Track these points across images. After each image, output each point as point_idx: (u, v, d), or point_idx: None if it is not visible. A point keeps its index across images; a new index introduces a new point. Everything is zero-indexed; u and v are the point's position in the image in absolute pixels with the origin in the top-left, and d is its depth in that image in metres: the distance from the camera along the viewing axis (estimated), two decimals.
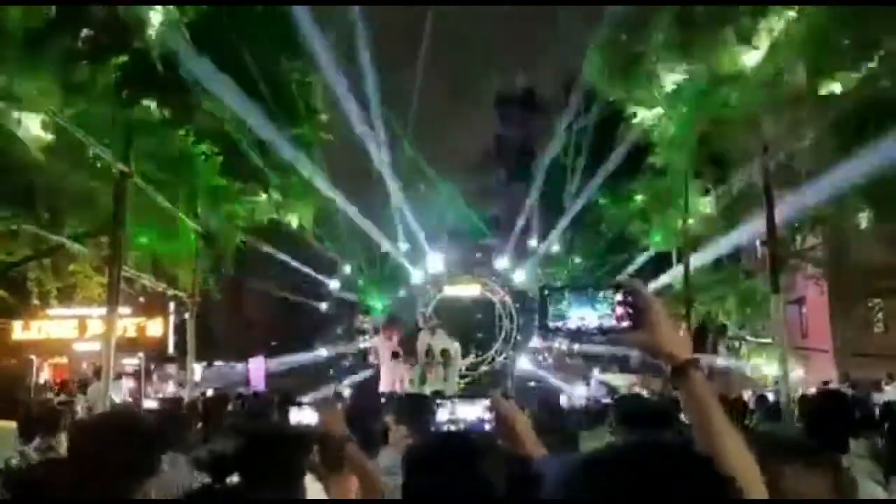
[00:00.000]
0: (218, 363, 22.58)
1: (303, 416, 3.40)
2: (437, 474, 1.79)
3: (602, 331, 1.43)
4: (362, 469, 2.73)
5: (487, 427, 2.59)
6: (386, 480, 2.71)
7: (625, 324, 1.40)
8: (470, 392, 17.79)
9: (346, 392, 17.94)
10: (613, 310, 1.42)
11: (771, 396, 13.39)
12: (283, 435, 2.85)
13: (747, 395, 15.11)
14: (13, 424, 6.68)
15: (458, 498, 1.73)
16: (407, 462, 1.91)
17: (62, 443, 5.69)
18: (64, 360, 18.97)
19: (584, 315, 1.44)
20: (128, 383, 16.59)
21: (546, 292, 1.52)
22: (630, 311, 1.40)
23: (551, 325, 1.48)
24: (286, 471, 2.59)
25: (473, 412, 3.22)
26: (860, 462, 3.55)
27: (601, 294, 1.45)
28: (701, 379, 1.35)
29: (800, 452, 1.60)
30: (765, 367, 20.08)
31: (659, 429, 4.92)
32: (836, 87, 13.43)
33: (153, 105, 11.93)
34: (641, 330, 1.38)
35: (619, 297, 1.42)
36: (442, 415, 3.54)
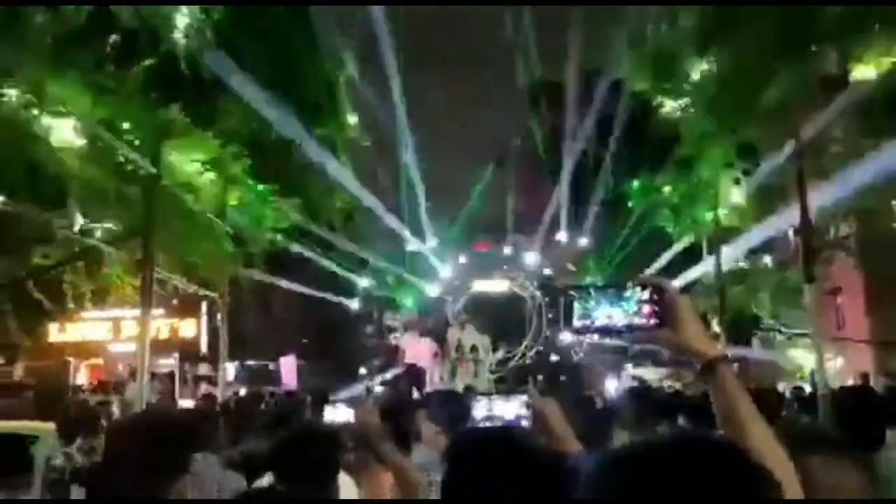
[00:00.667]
0: (250, 363, 22.79)
1: (337, 414, 3.41)
2: (480, 470, 1.78)
3: (629, 329, 1.43)
4: (398, 466, 2.73)
5: (525, 424, 2.59)
6: (419, 478, 2.70)
7: (652, 321, 1.40)
8: (501, 387, 17.79)
9: (378, 390, 18.00)
10: (640, 308, 1.41)
11: (807, 388, 13.21)
12: (317, 433, 2.86)
13: (782, 386, 14.91)
14: (52, 425, 6.79)
15: (500, 494, 1.72)
16: (448, 458, 1.89)
17: (102, 443, 5.77)
18: (100, 361, 19.26)
19: (610, 314, 1.44)
20: (162, 383, 16.81)
21: (571, 292, 1.50)
22: (657, 308, 1.39)
23: (577, 324, 1.47)
24: (320, 469, 2.60)
25: (511, 409, 3.20)
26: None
27: (627, 292, 1.44)
28: (730, 375, 1.34)
29: (829, 445, 1.57)
30: (800, 359, 19.80)
31: (666, 421, 4.88)
32: (870, 73, 13.21)
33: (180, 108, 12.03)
34: (668, 327, 1.38)
35: (645, 295, 1.41)
36: (479, 412, 3.52)
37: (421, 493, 2.58)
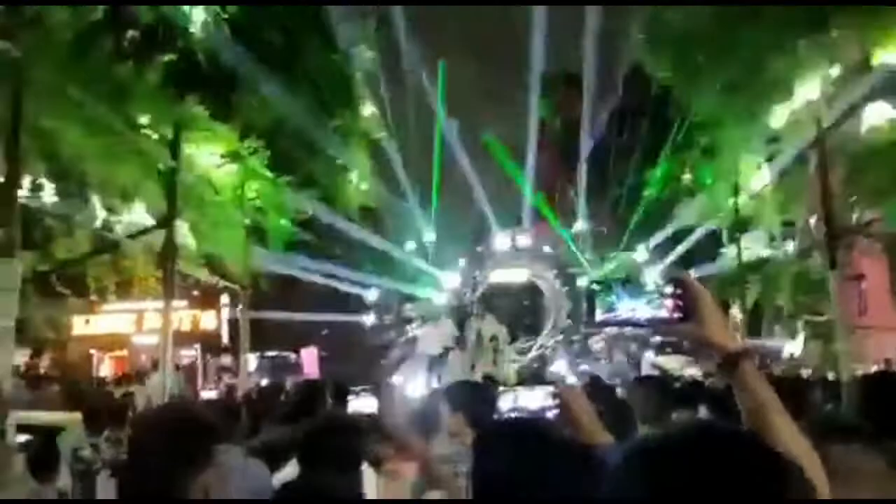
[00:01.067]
0: (271, 353, 22.91)
1: (360, 403, 3.42)
2: (509, 462, 1.77)
3: (652, 322, 1.44)
4: (425, 458, 2.73)
5: (551, 415, 2.58)
6: (447, 470, 2.70)
7: (675, 315, 1.40)
8: (522, 378, 17.78)
9: (398, 381, 18.06)
10: (663, 302, 1.42)
11: (830, 376, 13.09)
12: (342, 423, 2.86)
13: (805, 374, 14.78)
14: (78, 416, 6.89)
15: (529, 485, 1.72)
16: (478, 450, 1.89)
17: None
18: (124, 353, 19.47)
19: (633, 307, 1.45)
20: (184, 375, 16.97)
21: (594, 286, 1.51)
22: (679, 302, 1.40)
23: (600, 317, 1.47)
24: (345, 458, 2.59)
25: (536, 400, 3.20)
26: None
27: (650, 286, 1.45)
28: (752, 369, 1.35)
29: (853, 434, 1.56)
30: (822, 347, 19.61)
31: (686, 411, 4.87)
32: (893, 58, 13.03)
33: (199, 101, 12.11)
34: (691, 321, 1.38)
35: (668, 289, 1.41)
36: (505, 403, 3.52)
37: (450, 486, 2.57)
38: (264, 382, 15.55)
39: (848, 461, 1.46)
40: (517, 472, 1.74)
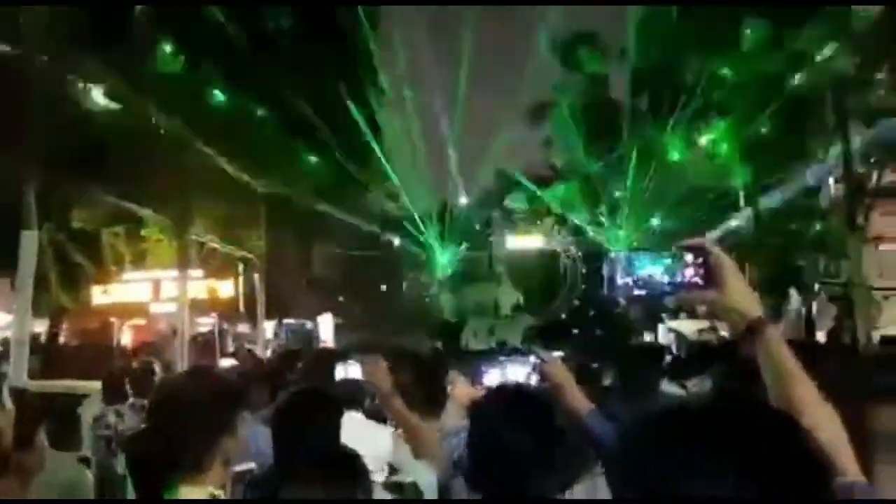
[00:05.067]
0: (289, 321, 23.08)
1: (349, 371, 3.42)
2: (496, 428, 1.88)
3: (673, 288, 1.41)
4: (408, 423, 2.74)
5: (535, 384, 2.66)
6: (432, 436, 2.71)
7: (696, 281, 1.38)
8: (538, 342, 17.84)
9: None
10: (684, 269, 1.39)
11: (847, 339, 13.03)
12: (310, 397, 2.78)
13: (822, 337, 14.73)
14: (98, 385, 6.95)
15: (515, 451, 1.81)
16: (472, 414, 2.05)
17: None
18: (142, 321, 19.65)
19: (652, 273, 1.42)
20: (202, 343, 17.10)
21: (611, 254, 1.49)
22: (701, 269, 1.37)
23: (620, 282, 1.45)
24: (319, 432, 2.48)
25: (523, 372, 3.22)
26: None
27: (669, 253, 1.43)
28: (776, 336, 1.32)
29: (888, 392, 1.53)
30: (841, 310, 19.51)
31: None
32: None
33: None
34: (713, 288, 1.36)
35: (689, 256, 1.39)
36: (493, 377, 3.54)
37: (433, 452, 2.60)
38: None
39: (883, 419, 1.43)
40: (510, 437, 1.83)
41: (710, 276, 1.36)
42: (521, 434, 1.83)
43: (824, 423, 1.19)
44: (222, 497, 1.86)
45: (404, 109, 22.11)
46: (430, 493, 2.66)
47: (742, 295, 1.35)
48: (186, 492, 1.84)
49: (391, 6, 19.71)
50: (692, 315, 23.16)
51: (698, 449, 0.82)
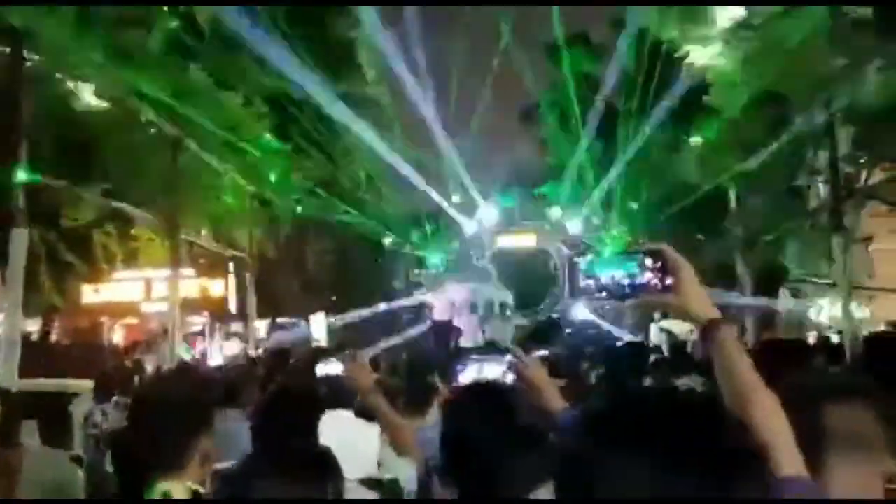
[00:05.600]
0: (280, 320, 23.08)
1: (329, 369, 3.46)
2: (474, 422, 1.93)
3: (634, 291, 1.46)
4: (388, 421, 2.78)
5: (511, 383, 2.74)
6: (410, 436, 2.76)
7: (656, 285, 1.43)
8: (520, 344, 17.91)
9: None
10: (644, 272, 1.45)
11: (835, 338, 13.10)
12: (290, 394, 2.81)
13: (811, 337, 14.82)
14: (89, 383, 6.98)
15: (485, 447, 1.86)
16: (446, 411, 2.10)
17: None
18: (134, 320, 19.64)
19: (615, 276, 1.48)
20: (193, 342, 17.12)
21: (575, 259, 1.56)
22: (661, 273, 1.43)
23: (582, 284, 1.51)
24: (294, 429, 2.51)
25: (500, 370, 3.29)
26: None
27: (631, 257, 1.48)
28: (730, 337, 1.37)
29: (850, 392, 1.58)
30: (829, 309, 19.64)
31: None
32: None
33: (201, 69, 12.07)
34: (672, 291, 1.41)
35: (649, 260, 1.45)
36: (468, 375, 3.60)
37: (412, 449, 2.66)
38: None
39: (843, 422, 1.49)
40: (481, 433, 1.88)
41: (669, 279, 1.42)
42: (488, 430, 1.87)
43: (768, 421, 1.24)
44: (201, 492, 1.90)
45: (395, 106, 22.10)
46: (411, 489, 2.71)
47: (697, 298, 1.40)
48: (166, 487, 1.88)
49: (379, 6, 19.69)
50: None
51: (630, 440, 0.87)
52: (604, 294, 1.50)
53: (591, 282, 1.50)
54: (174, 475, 1.90)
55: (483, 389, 2.14)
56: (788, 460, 1.21)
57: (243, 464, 1.64)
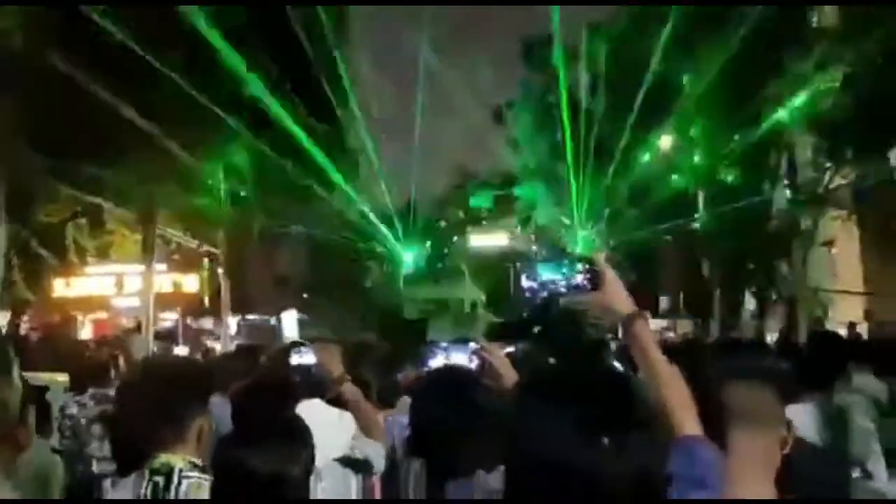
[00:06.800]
0: (251, 317, 23.10)
1: (304, 358, 3.64)
2: (438, 401, 2.20)
3: (569, 290, 1.77)
4: (360, 410, 2.99)
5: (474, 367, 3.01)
6: (377, 417, 2.98)
7: (586, 285, 1.74)
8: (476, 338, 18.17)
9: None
10: (576, 275, 1.76)
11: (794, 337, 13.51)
12: (263, 384, 3.00)
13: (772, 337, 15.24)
14: (64, 377, 7.07)
15: (454, 420, 2.11)
16: (413, 392, 2.43)
17: (115, 392, 6.08)
18: (105, 315, 19.56)
19: (553, 279, 1.78)
20: (165, 337, 17.10)
21: (517, 264, 1.86)
22: (590, 276, 1.73)
23: (525, 285, 1.79)
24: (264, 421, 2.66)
25: (465, 357, 3.54)
26: (852, 397, 3.79)
27: (566, 262, 1.79)
28: (642, 328, 1.67)
29: (744, 372, 1.89)
30: (787, 310, 20.14)
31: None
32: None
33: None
34: (598, 291, 1.71)
35: (580, 265, 1.75)
36: (437, 361, 3.85)
37: (379, 430, 2.93)
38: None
39: (736, 398, 1.76)
40: (443, 409, 2.16)
41: (596, 281, 1.72)
42: (450, 407, 2.13)
43: (672, 392, 1.54)
44: (199, 464, 2.10)
45: (367, 108, 22.26)
46: (380, 465, 2.94)
47: (618, 296, 1.71)
48: (166, 459, 2.08)
49: (353, 7, 19.87)
50: (653, 315, 23.73)
51: (553, 404, 1.13)
52: (545, 294, 1.78)
53: (533, 283, 1.78)
54: (175, 448, 2.10)
55: (446, 371, 2.39)
56: (689, 424, 1.49)
57: (232, 433, 1.86)
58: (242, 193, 15.79)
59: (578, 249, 22.14)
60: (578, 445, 1.10)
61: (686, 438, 1.46)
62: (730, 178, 17.62)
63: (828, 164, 15.93)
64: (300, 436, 1.96)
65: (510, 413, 1.21)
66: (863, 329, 14.65)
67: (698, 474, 1.39)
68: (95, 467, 5.14)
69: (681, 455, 1.42)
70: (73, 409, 6.65)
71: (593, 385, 1.21)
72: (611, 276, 1.72)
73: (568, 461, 1.11)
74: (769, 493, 1.72)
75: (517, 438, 1.15)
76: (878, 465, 3.40)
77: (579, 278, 1.75)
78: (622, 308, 1.69)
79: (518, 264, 1.87)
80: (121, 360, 8.72)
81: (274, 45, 14.47)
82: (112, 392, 6.28)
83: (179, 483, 2.03)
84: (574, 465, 1.11)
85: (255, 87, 14.38)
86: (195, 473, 2.06)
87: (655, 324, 21.95)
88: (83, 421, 6.24)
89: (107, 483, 4.28)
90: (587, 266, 1.75)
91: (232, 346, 15.15)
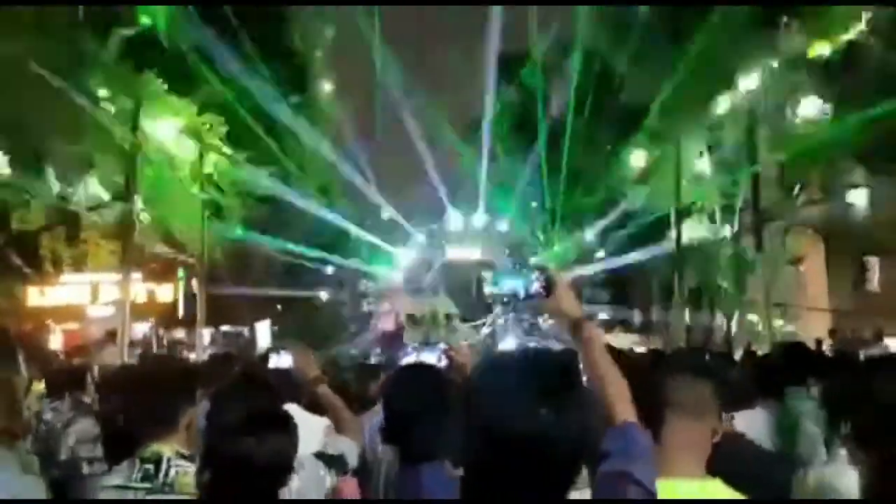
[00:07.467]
0: (225, 328, 23.07)
1: (281, 361, 3.79)
2: (409, 395, 2.43)
3: (526, 296, 1.97)
4: (332, 405, 3.15)
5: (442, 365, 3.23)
6: (352, 416, 3.15)
7: (541, 292, 1.93)
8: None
9: (352, 352, 18.45)
10: (532, 283, 1.96)
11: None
12: (247, 383, 3.15)
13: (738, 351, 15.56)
14: (40, 385, 7.13)
15: (423, 412, 2.34)
16: (384, 388, 2.65)
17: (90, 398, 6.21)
18: (77, 325, 19.42)
19: (512, 287, 2.00)
20: (138, 348, 17.04)
21: (481, 274, 2.10)
22: (544, 284, 1.93)
23: (487, 291, 2.01)
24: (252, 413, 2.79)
25: (434, 356, 3.74)
26: (805, 404, 4.02)
27: (523, 272, 2.00)
28: (593, 332, 1.86)
29: (681, 367, 2.12)
30: (757, 326, 20.52)
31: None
32: (827, 50, 13.80)
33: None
34: (551, 298, 1.90)
35: (536, 273, 1.96)
36: (409, 359, 4.06)
37: (353, 428, 3.05)
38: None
39: (676, 392, 1.98)
40: (413, 401, 2.38)
41: (550, 288, 1.92)
42: (419, 398, 2.36)
43: (612, 387, 1.73)
44: (186, 454, 2.30)
45: (343, 120, 22.45)
46: (353, 461, 3.10)
47: (569, 302, 1.90)
48: (157, 448, 2.27)
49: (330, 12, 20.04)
50: (627, 329, 24.06)
51: (500, 381, 1.33)
52: (504, 300, 1.99)
53: (495, 290, 2.00)
54: (166, 438, 2.29)
55: (415, 365, 2.59)
56: (626, 412, 1.69)
57: (222, 426, 2.04)
58: (220, 203, 15.85)
59: (552, 265, 22.38)
60: (520, 416, 1.29)
61: (623, 423, 1.66)
62: (698, 198, 17.97)
63: (796, 183, 16.36)
64: (286, 427, 2.14)
65: (467, 394, 1.41)
66: (827, 346, 15.00)
67: (630, 449, 1.59)
68: (86, 469, 5.25)
69: (616, 436, 1.62)
70: (49, 415, 6.74)
71: (533, 363, 1.41)
72: (562, 284, 1.91)
73: (511, 430, 1.31)
74: (699, 475, 1.93)
75: (470, 414, 1.34)
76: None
77: (536, 286, 1.94)
78: (572, 312, 1.88)
79: (483, 273, 2.09)
80: (95, 369, 8.79)
81: (253, 50, 14.60)
82: (87, 399, 6.41)
83: (168, 470, 2.23)
84: (517, 434, 1.30)
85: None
86: (182, 462, 2.25)
87: (628, 339, 22.28)
88: (58, 425, 6.34)
89: (98, 476, 4.39)
90: (542, 275, 1.94)
91: (206, 356, 15.19)
